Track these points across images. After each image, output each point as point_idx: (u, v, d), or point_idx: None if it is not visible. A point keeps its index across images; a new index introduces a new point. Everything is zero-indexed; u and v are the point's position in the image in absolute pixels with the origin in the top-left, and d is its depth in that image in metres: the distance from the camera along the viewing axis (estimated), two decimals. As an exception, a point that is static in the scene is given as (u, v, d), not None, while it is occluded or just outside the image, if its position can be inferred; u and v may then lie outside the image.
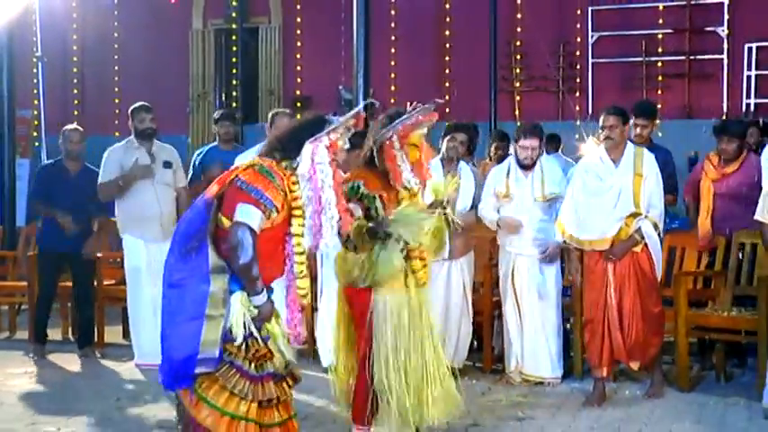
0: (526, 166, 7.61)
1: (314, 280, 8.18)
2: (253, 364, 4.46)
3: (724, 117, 7.71)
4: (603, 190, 7.04)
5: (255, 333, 4.46)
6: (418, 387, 5.44)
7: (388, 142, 5.46)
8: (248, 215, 4.39)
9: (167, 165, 8.47)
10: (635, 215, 6.95)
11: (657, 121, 7.16)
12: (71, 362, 8.66)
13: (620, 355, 7.01)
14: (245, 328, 4.42)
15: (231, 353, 4.43)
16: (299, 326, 4.73)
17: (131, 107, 8.71)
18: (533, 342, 7.58)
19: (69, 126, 9.25)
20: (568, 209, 7.16)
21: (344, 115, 4.75)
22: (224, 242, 4.42)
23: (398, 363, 5.37)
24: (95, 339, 9.15)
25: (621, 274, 6.98)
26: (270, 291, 4.57)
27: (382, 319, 5.40)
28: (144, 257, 8.35)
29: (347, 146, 4.75)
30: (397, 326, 5.39)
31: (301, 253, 4.60)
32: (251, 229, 4.37)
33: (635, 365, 7.14)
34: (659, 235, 7.09)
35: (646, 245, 6.98)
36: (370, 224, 5.32)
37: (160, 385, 7.27)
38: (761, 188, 6.73)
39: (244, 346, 4.44)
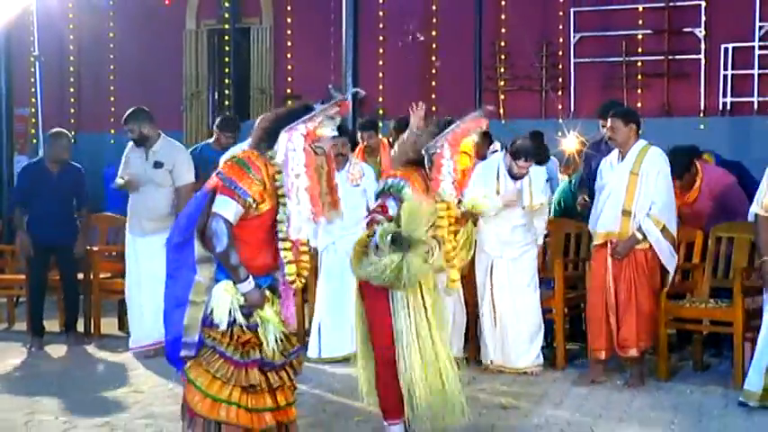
0: (515, 176, 7.57)
1: (313, 273, 8.22)
2: (237, 351, 4.47)
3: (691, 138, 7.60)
4: (603, 188, 7.22)
5: (241, 320, 4.48)
6: (437, 388, 5.32)
7: (439, 152, 5.37)
8: (223, 206, 4.44)
9: (158, 165, 8.43)
10: (628, 213, 7.02)
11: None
12: (68, 353, 8.64)
13: (613, 341, 7.12)
14: (230, 314, 4.45)
15: (215, 338, 4.47)
16: (291, 308, 4.76)
17: (124, 116, 8.68)
18: (512, 335, 7.56)
19: (56, 130, 9.24)
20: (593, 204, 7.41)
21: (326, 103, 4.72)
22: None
23: (420, 359, 5.27)
24: (92, 331, 9.25)
25: (619, 265, 7.09)
26: (263, 279, 4.57)
27: (403, 315, 5.27)
28: (131, 249, 8.53)
29: (333, 133, 4.73)
30: (416, 323, 5.30)
31: (284, 239, 4.58)
32: (225, 220, 4.41)
33: (623, 353, 7.16)
34: (671, 231, 7.11)
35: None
36: (395, 231, 5.12)
37: (157, 375, 7.29)
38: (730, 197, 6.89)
39: (228, 333, 4.47)
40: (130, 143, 8.64)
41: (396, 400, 5.31)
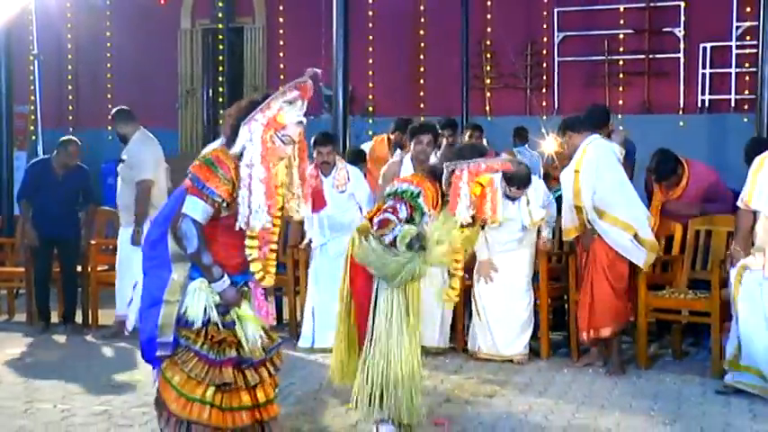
0: (511, 198, 7.46)
1: (306, 266, 8.29)
2: (213, 349, 4.35)
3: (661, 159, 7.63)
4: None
5: (216, 318, 4.34)
6: (408, 380, 5.33)
7: (458, 172, 5.31)
8: (192, 206, 4.27)
9: (121, 161, 8.72)
10: (579, 208, 7.17)
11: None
12: (67, 343, 8.64)
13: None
14: (204, 313, 4.33)
15: (189, 338, 4.33)
16: (265, 308, 4.62)
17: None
18: (502, 324, 7.58)
19: (66, 138, 9.37)
20: None
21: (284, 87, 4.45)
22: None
23: (397, 353, 5.26)
24: (90, 321, 9.25)
25: (586, 256, 7.30)
26: (239, 277, 4.44)
27: (387, 306, 5.23)
28: (119, 239, 8.91)
29: (298, 119, 4.43)
30: (398, 317, 5.28)
31: (251, 236, 4.37)
32: (194, 220, 4.26)
33: (585, 336, 7.31)
34: (613, 216, 7.14)
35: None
36: (412, 235, 5.10)
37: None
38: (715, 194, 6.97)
39: (203, 332, 4.33)
40: None
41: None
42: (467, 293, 7.79)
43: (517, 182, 7.12)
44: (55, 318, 9.38)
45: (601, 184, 7.13)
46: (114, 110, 8.91)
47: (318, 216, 7.99)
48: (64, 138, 9.35)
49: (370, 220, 5.30)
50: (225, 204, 4.32)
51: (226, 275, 4.37)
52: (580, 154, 7.23)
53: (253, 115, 4.31)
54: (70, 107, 17.04)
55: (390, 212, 5.16)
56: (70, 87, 17.05)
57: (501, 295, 7.60)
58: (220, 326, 4.36)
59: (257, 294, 4.64)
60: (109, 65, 16.63)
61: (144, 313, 4.43)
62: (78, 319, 9.33)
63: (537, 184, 7.85)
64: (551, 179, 9.47)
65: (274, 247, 4.59)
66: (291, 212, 4.65)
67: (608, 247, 7.15)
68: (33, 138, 14.61)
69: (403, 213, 5.18)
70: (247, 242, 4.38)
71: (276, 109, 4.36)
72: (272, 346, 4.56)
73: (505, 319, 7.56)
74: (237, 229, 4.33)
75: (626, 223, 7.13)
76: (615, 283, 7.21)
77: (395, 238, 5.09)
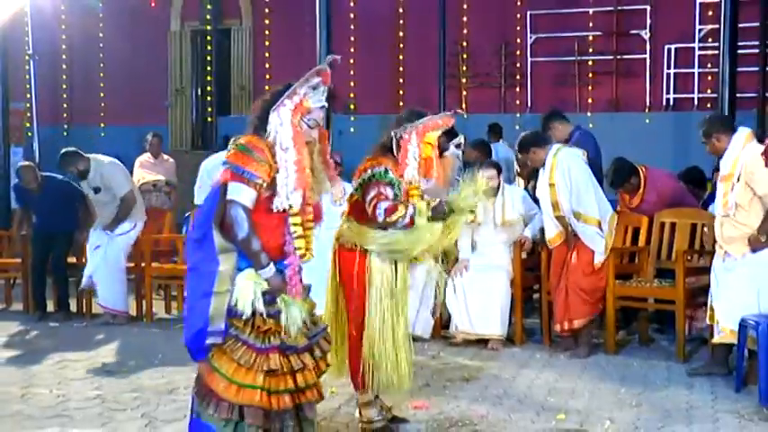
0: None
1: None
2: (259, 338, 4.32)
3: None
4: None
5: (261, 309, 4.31)
6: (396, 353, 5.31)
7: (405, 137, 5.28)
8: (237, 192, 4.24)
9: (97, 191, 8.95)
10: (561, 217, 7.30)
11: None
12: (62, 331, 8.60)
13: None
14: (252, 304, 4.29)
15: (237, 327, 4.30)
16: (297, 285, 4.45)
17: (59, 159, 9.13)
18: (479, 304, 7.61)
19: (22, 163, 9.82)
20: None
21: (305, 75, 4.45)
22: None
23: (387, 331, 5.25)
24: (84, 310, 9.24)
25: (563, 256, 7.40)
26: (280, 263, 4.38)
27: (380, 286, 5.22)
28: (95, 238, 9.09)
29: (321, 104, 4.44)
30: (391, 293, 5.23)
31: (295, 214, 4.36)
32: (242, 206, 4.24)
33: (560, 327, 7.42)
34: (587, 215, 7.23)
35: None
36: (432, 206, 5.13)
37: (143, 351, 7.25)
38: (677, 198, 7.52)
39: (250, 322, 4.31)
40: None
41: (359, 369, 5.26)
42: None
43: (482, 165, 7.20)
44: (51, 307, 9.34)
45: (575, 191, 7.21)
46: (63, 153, 9.01)
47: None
48: (18, 165, 9.73)
49: (361, 216, 5.24)
50: (264, 186, 4.30)
51: (272, 263, 4.33)
52: (550, 167, 7.29)
53: (281, 101, 4.33)
54: (64, 104, 16.94)
55: (384, 199, 5.11)
56: (64, 86, 16.95)
57: (480, 276, 7.67)
58: (266, 316, 4.34)
59: (294, 272, 4.49)
60: (101, 64, 16.53)
61: (192, 307, 4.38)
62: (73, 307, 9.30)
63: (516, 191, 8.05)
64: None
65: (311, 225, 4.57)
66: (317, 195, 4.61)
67: (585, 246, 7.26)
68: (29, 134, 14.51)
69: (390, 193, 5.14)
70: (291, 220, 4.37)
71: (302, 94, 4.36)
72: (316, 331, 4.54)
73: (482, 297, 7.60)
74: (275, 210, 4.32)
75: (596, 219, 7.26)
76: (589, 279, 7.31)
77: (411, 216, 5.07)
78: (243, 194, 4.25)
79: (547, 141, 7.50)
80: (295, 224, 4.39)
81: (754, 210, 6.24)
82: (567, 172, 7.22)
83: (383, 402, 5.45)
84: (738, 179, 6.28)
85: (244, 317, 4.30)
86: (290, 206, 4.31)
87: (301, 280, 4.50)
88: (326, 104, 4.49)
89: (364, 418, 5.33)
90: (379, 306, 5.20)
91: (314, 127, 4.46)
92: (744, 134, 6.43)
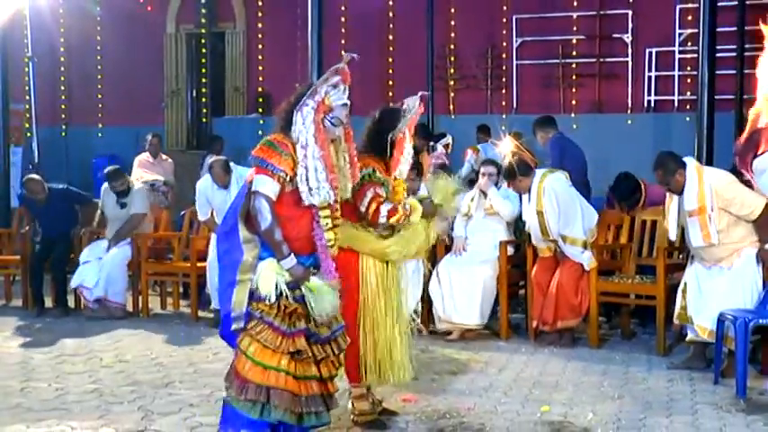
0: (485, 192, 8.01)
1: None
2: (285, 321, 4.36)
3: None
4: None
5: (286, 291, 4.34)
6: (389, 348, 5.30)
7: (401, 135, 5.27)
8: (261, 183, 4.30)
9: (123, 206, 9.21)
10: (549, 238, 7.50)
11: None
12: (60, 326, 8.57)
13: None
14: (276, 288, 4.33)
15: (263, 311, 4.35)
16: (332, 273, 4.53)
17: (106, 170, 9.51)
18: (463, 294, 7.65)
19: (30, 176, 9.82)
20: None
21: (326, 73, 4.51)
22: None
23: (381, 327, 5.24)
24: (82, 306, 9.23)
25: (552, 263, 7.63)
26: (305, 258, 4.41)
27: (373, 285, 5.24)
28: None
29: (343, 101, 4.51)
30: (384, 291, 5.25)
31: (324, 207, 4.42)
32: (266, 197, 4.29)
33: (550, 326, 7.48)
34: (572, 237, 7.47)
35: None
36: (421, 204, 5.21)
37: (140, 346, 7.24)
38: None
39: (276, 304, 4.35)
40: (106, 188, 9.39)
41: (356, 363, 5.27)
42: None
43: (483, 162, 7.97)
44: (49, 303, 9.33)
45: (563, 215, 7.42)
46: (110, 173, 9.32)
47: None
48: (25, 178, 9.77)
49: (353, 217, 5.19)
50: (288, 179, 4.35)
51: (293, 254, 4.36)
52: (536, 194, 7.45)
53: (303, 101, 4.39)
54: (63, 105, 16.87)
55: (383, 201, 5.10)
56: (63, 87, 16.87)
57: (466, 268, 7.76)
58: (291, 299, 4.37)
59: (327, 260, 4.54)
60: (99, 66, 16.46)
61: (222, 294, 4.50)
62: (71, 303, 9.29)
63: (503, 192, 8.11)
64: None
65: (339, 221, 4.63)
66: (343, 194, 4.67)
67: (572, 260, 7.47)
68: (29, 134, 14.45)
69: (383, 193, 5.15)
70: (321, 213, 4.42)
71: (323, 93, 4.43)
72: (337, 327, 4.59)
73: (467, 288, 7.65)
74: (307, 204, 4.37)
75: (582, 240, 7.46)
76: (576, 284, 7.42)
77: (408, 216, 5.14)
78: (267, 186, 4.30)
79: (530, 168, 7.61)
80: (325, 217, 4.44)
81: (737, 228, 6.30)
82: (554, 198, 7.42)
83: (374, 396, 5.46)
84: (712, 209, 6.30)
85: (268, 302, 4.33)
86: (322, 200, 4.37)
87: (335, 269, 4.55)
88: (348, 102, 4.54)
89: (356, 410, 5.34)
90: (373, 304, 5.23)
91: (337, 125, 4.51)
92: (693, 165, 6.49)
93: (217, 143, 11.85)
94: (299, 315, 4.39)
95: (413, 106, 5.35)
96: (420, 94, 5.47)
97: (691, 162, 6.53)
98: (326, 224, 4.45)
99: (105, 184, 9.38)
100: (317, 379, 4.46)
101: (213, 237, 8.01)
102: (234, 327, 4.39)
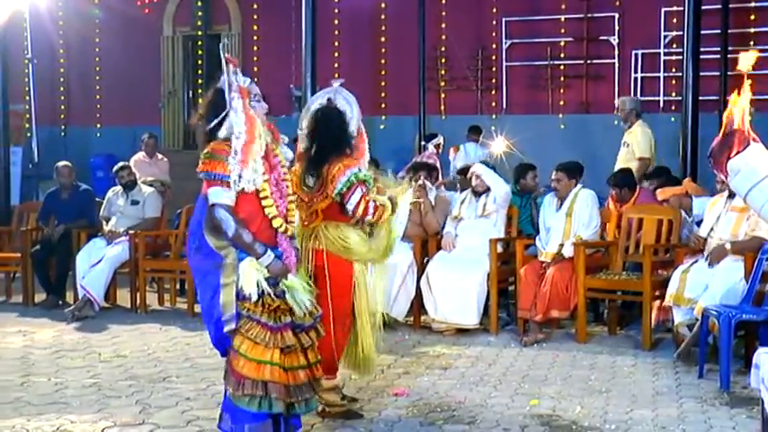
0: (477, 193, 8.12)
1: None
2: (271, 317, 4.38)
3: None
4: (548, 226, 7.80)
5: (268, 290, 4.36)
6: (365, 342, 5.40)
7: (359, 135, 5.38)
8: (216, 195, 4.30)
9: (135, 203, 9.42)
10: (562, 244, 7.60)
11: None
12: (60, 322, 8.54)
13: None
14: (258, 287, 4.34)
15: (250, 309, 4.36)
16: (292, 261, 4.54)
17: (114, 168, 9.72)
18: (458, 295, 7.64)
19: (61, 163, 9.87)
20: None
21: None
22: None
23: (365, 323, 5.34)
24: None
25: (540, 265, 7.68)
26: (274, 249, 4.43)
27: (362, 286, 5.33)
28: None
29: (249, 80, 4.57)
30: (367, 292, 5.34)
31: (265, 197, 4.39)
32: (224, 206, 4.29)
33: (541, 317, 7.44)
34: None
35: None
36: (389, 198, 5.29)
37: (138, 341, 7.22)
38: None
39: (260, 303, 4.36)
40: (114, 189, 9.61)
41: (331, 356, 5.25)
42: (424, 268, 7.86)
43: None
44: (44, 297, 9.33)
45: (590, 219, 7.67)
46: (119, 168, 9.58)
47: None
48: (58, 164, 9.86)
49: (339, 217, 5.24)
50: (236, 183, 4.33)
51: (269, 250, 4.38)
52: (570, 201, 7.66)
53: (229, 99, 4.40)
54: (62, 106, 16.85)
55: (370, 200, 5.16)
56: (62, 88, 16.85)
57: (459, 268, 7.75)
58: (273, 295, 4.39)
59: (285, 245, 4.54)
60: (97, 68, 16.45)
61: (208, 306, 4.44)
62: (69, 299, 9.27)
63: (500, 188, 8.09)
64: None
65: (292, 198, 4.62)
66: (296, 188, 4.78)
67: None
68: (28, 134, 14.43)
69: (367, 191, 5.20)
70: (263, 203, 4.41)
71: (237, 82, 4.48)
72: (317, 314, 4.63)
73: (460, 288, 7.64)
74: (245, 192, 4.34)
75: (586, 241, 7.59)
76: (568, 281, 7.44)
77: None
78: (222, 196, 4.31)
79: (576, 177, 7.77)
80: (268, 206, 4.42)
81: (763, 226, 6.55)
82: (585, 206, 7.63)
83: (345, 393, 5.53)
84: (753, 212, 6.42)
85: (252, 299, 4.35)
86: (252, 187, 4.34)
87: (296, 257, 4.60)
88: (250, 78, 4.62)
89: (324, 400, 5.32)
90: (362, 302, 5.33)
91: (260, 101, 4.55)
92: None
93: None
94: (284, 310, 4.44)
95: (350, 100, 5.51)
96: (334, 83, 5.70)
97: None
98: (269, 213, 4.42)
99: (114, 188, 9.57)
100: (304, 367, 4.50)
101: None
102: (226, 329, 4.38)
